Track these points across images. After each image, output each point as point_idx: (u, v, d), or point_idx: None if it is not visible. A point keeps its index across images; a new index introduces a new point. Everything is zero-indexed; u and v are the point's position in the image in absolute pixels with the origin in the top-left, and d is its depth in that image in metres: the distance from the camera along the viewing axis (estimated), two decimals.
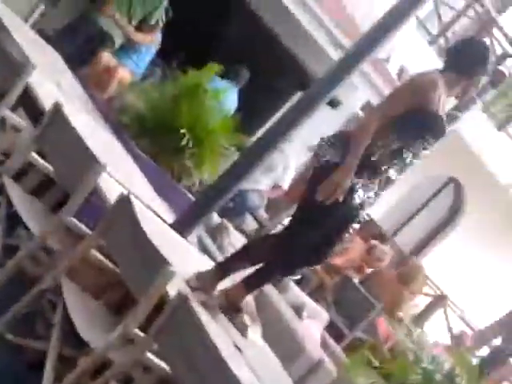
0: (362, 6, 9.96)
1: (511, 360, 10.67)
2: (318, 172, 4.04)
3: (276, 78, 10.94)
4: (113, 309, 3.81)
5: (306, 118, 5.25)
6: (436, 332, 12.30)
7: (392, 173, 4.06)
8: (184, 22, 8.89)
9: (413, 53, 11.17)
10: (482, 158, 12.56)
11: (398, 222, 14.27)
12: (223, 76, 8.52)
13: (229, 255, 4.36)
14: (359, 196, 4.01)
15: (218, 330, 3.68)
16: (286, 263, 4.14)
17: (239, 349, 3.85)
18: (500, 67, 10.30)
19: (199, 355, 3.07)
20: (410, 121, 3.97)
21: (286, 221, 9.38)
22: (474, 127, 11.95)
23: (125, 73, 8.13)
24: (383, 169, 4.02)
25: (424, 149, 4.04)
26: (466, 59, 4.12)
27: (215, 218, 6.78)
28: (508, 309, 11.11)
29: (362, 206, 4.07)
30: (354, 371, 4.96)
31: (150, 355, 3.27)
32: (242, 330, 4.06)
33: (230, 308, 4.09)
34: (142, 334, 3.27)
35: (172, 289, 3.39)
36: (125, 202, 3.59)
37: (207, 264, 4.58)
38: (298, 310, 6.72)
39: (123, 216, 3.56)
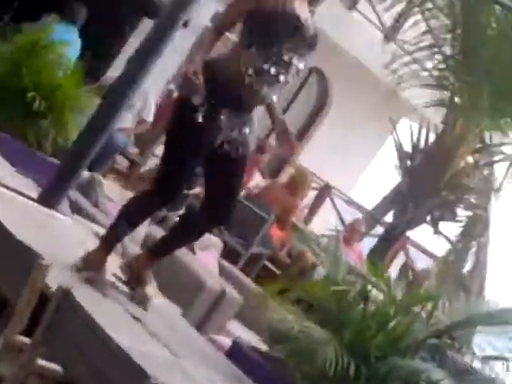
0: None
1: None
2: (179, 111, 3.93)
3: (116, 7, 10.53)
4: None
5: (163, 46, 5.03)
6: (328, 222, 12.51)
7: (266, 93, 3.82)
8: None
9: None
10: (338, 40, 12.54)
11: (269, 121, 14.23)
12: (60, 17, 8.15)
13: (108, 225, 4.17)
14: (223, 121, 3.83)
15: (109, 311, 3.52)
16: (196, 231, 4.04)
17: (138, 319, 3.71)
18: None
19: (93, 349, 2.91)
20: (254, 27, 3.79)
21: (157, 151, 9.33)
22: (327, 13, 11.84)
23: None
24: (256, 88, 3.78)
25: (291, 52, 3.79)
26: None
27: (84, 172, 6.50)
28: (392, 184, 11.31)
29: (243, 144, 3.88)
30: (265, 303, 4.92)
31: (41, 361, 3.09)
32: (144, 303, 3.92)
33: (134, 279, 3.94)
34: (27, 340, 3.08)
35: (53, 280, 3.21)
36: None
37: (82, 233, 4.38)
38: (189, 245, 6.59)
39: None
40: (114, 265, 4.05)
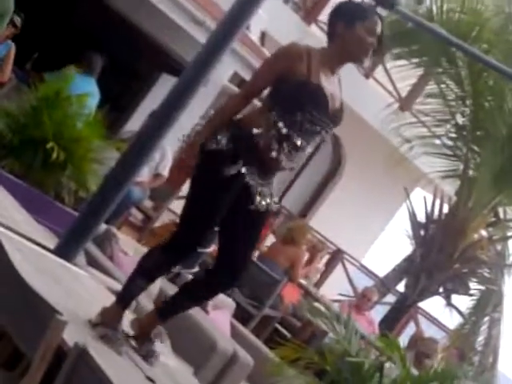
0: None
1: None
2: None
3: (136, 62, 10.62)
4: (4, 364, 3.49)
5: (184, 104, 5.02)
6: (339, 288, 12.41)
7: (285, 161, 3.78)
8: (31, 21, 8.45)
9: (270, 14, 10.97)
10: (354, 107, 12.58)
11: (283, 184, 14.23)
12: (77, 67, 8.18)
13: (125, 281, 4.07)
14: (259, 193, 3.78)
15: (124, 371, 3.41)
16: (207, 291, 3.94)
17: (152, 380, 3.60)
18: None
19: None
20: (279, 92, 3.75)
21: (172, 205, 9.30)
22: (343, 79, 11.91)
23: None
24: (274, 156, 3.74)
25: (314, 124, 3.75)
26: (337, 19, 3.86)
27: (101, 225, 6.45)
28: (404, 253, 11.22)
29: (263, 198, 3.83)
30: (279, 371, 4.83)
31: None
32: (150, 358, 3.81)
33: (141, 337, 3.84)
34: None
35: (69, 336, 3.11)
36: None
37: (97, 288, 4.29)
38: (202, 304, 6.50)
39: None
40: (125, 320, 3.97)
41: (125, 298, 3.91)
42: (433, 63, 10.85)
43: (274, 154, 3.71)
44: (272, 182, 3.88)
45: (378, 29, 3.81)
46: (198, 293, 3.98)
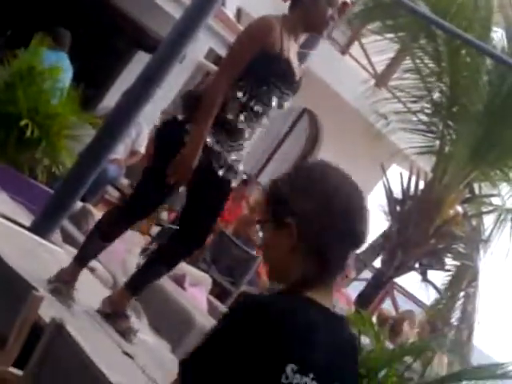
0: None
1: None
2: (163, 128, 3.91)
3: (112, 39, 10.53)
4: None
5: (159, 80, 5.00)
6: None
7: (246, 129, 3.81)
8: None
9: None
10: (330, 83, 12.57)
11: (261, 161, 14.22)
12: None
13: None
14: (224, 161, 3.79)
15: (101, 346, 3.41)
16: (170, 257, 3.94)
17: (129, 355, 3.60)
18: None
19: None
20: (252, 67, 3.75)
21: None
22: (320, 56, 11.89)
23: None
24: (240, 126, 3.77)
25: (278, 96, 3.79)
26: None
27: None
28: (380, 229, 11.25)
29: (230, 168, 3.85)
30: None
31: None
32: (128, 335, 3.81)
33: (115, 314, 3.84)
34: (18, 372, 2.97)
35: (46, 311, 3.10)
36: None
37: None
38: (178, 280, 6.50)
39: None
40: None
41: (82, 256, 3.98)
42: (410, 39, 10.84)
43: (239, 124, 3.77)
44: (240, 150, 3.87)
45: (339, 0, 3.81)
46: (162, 259, 3.99)
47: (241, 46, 3.88)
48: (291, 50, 3.82)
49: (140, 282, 3.97)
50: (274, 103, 3.80)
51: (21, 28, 9.65)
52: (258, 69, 3.75)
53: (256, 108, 3.77)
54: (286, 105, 3.88)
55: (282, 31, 3.77)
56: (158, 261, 3.98)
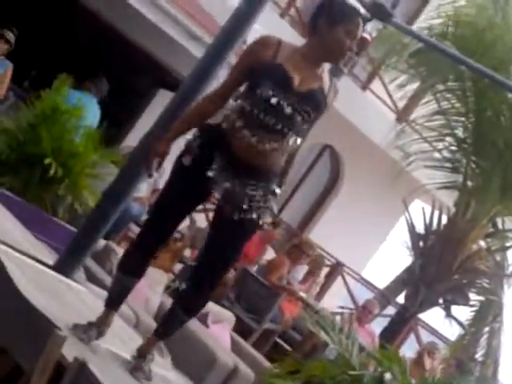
0: None
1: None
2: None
3: (134, 78, 10.65)
4: (4, 380, 3.48)
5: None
6: (338, 299, 12.39)
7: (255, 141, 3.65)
8: (27, 38, 8.48)
9: (268, 29, 11.01)
10: (352, 120, 12.60)
11: (282, 198, 14.23)
12: (78, 87, 8.19)
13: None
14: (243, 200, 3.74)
15: None
16: (188, 304, 3.92)
17: None
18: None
19: None
20: (248, 81, 3.68)
21: None
22: (341, 92, 11.93)
23: None
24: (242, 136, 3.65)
25: (277, 98, 3.62)
26: (321, 13, 3.74)
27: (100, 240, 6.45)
28: (404, 264, 11.21)
29: (252, 207, 3.78)
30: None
31: None
32: (146, 378, 3.81)
33: (140, 356, 3.83)
34: None
35: (69, 351, 3.11)
36: None
37: (97, 303, 4.29)
38: (201, 318, 6.50)
39: None
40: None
41: (111, 299, 3.91)
42: (439, 80, 10.91)
43: (241, 133, 3.64)
44: (265, 186, 3.76)
45: (359, 32, 3.75)
46: (183, 308, 3.89)
47: (235, 63, 3.81)
48: (297, 65, 3.70)
49: (167, 329, 3.94)
50: (273, 101, 3.62)
51: (45, 68, 9.80)
52: (252, 77, 3.68)
53: (255, 111, 3.62)
54: (288, 110, 3.66)
55: (280, 46, 3.70)
56: (180, 309, 3.92)
